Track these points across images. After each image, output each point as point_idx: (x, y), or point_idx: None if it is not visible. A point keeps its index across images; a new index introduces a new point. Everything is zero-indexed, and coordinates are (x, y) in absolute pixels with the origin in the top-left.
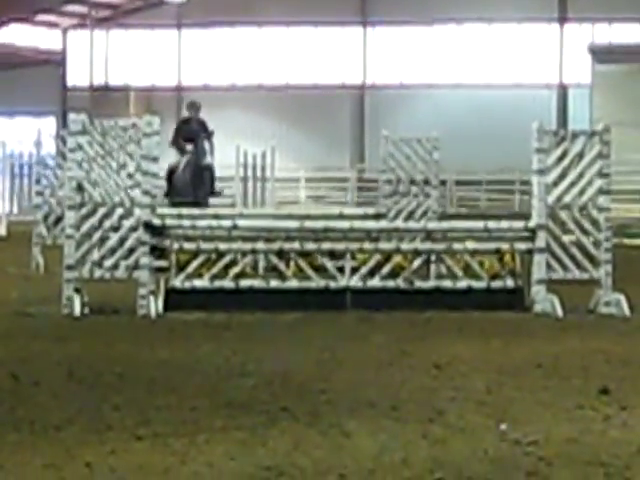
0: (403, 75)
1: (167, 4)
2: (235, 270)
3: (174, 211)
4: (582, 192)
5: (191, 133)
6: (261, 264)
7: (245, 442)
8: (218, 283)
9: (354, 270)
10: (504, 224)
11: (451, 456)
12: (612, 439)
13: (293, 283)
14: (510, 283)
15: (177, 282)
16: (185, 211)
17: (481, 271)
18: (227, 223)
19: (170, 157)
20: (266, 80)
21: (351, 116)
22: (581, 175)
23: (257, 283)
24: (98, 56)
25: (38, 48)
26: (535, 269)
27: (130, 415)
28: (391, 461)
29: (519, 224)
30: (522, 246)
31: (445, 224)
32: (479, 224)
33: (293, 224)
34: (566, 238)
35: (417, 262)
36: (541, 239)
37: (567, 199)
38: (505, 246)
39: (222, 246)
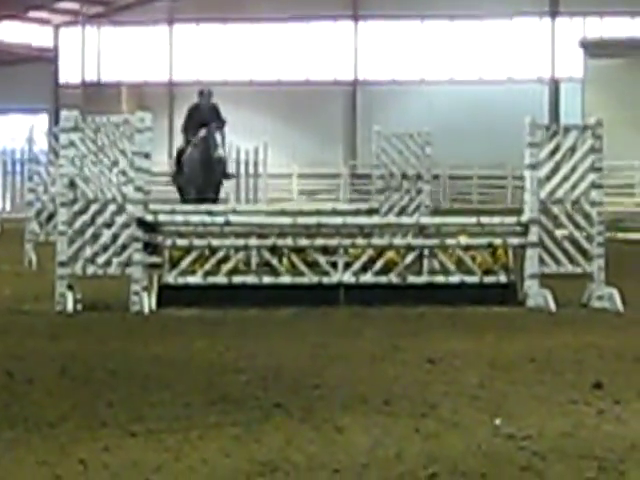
0: (395, 71)
1: (159, 0)
2: (228, 266)
3: (167, 207)
4: (574, 186)
5: (203, 118)
6: (254, 260)
7: (239, 438)
8: (211, 279)
9: (347, 266)
10: (497, 219)
11: (445, 451)
12: (606, 433)
13: (286, 279)
14: (503, 278)
15: (170, 278)
16: (178, 207)
17: (474, 266)
18: (220, 219)
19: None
20: (258, 76)
21: (343, 112)
22: (573, 169)
23: (250, 279)
24: (90, 53)
25: (30, 45)
26: (528, 264)
27: (124, 411)
28: (384, 456)
29: (512, 219)
30: (515, 241)
31: (438, 219)
32: (472, 219)
33: (286, 220)
34: (559, 232)
35: (410, 257)
36: (534, 234)
37: (559, 193)
38: (498, 241)
39: (215, 242)
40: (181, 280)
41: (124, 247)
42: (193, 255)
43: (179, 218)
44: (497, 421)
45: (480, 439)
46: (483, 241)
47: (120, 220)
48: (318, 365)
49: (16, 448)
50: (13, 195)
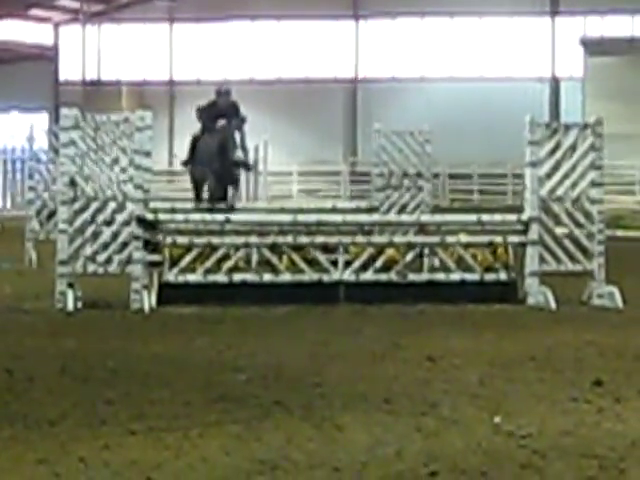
0: (395, 68)
1: None
2: (228, 264)
3: (167, 205)
4: (575, 184)
5: (220, 114)
6: (254, 258)
7: (239, 436)
8: (211, 277)
9: (347, 263)
10: (497, 217)
11: (445, 449)
12: (606, 431)
13: (286, 277)
14: (503, 276)
15: (170, 276)
16: (179, 205)
17: (474, 264)
18: (220, 217)
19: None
20: (259, 74)
21: (343, 110)
22: (574, 167)
23: (250, 277)
24: (90, 51)
25: (30, 43)
26: (528, 262)
27: (124, 410)
28: (385, 454)
29: (512, 217)
30: (515, 239)
31: (438, 217)
32: (472, 217)
33: (286, 218)
34: (559, 230)
35: (410, 255)
36: (534, 232)
37: (560, 191)
38: (498, 239)
39: (215, 240)
40: (181, 278)
41: (124, 245)
42: (193, 253)
43: (179, 216)
44: (497, 419)
45: (480, 437)
46: (484, 239)
47: (120, 218)
48: (318, 363)
49: (16, 446)
50: (13, 193)
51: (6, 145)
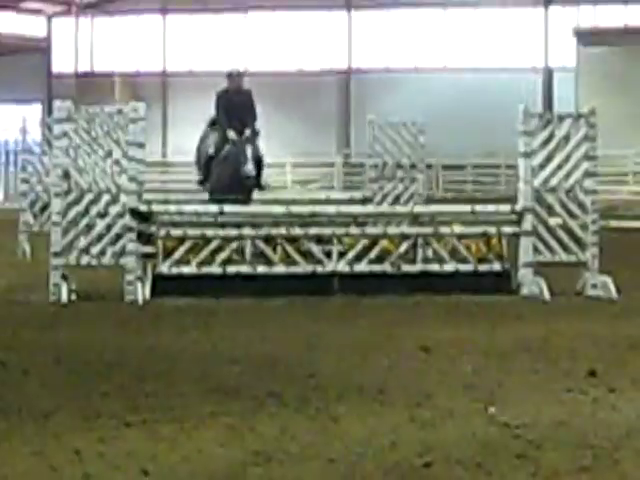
0: (389, 59)
1: None
2: (222, 256)
3: (160, 197)
4: (568, 175)
5: (232, 109)
6: (248, 250)
7: (234, 427)
8: (205, 269)
9: (341, 255)
10: (491, 207)
11: (440, 439)
12: (601, 421)
13: (280, 268)
14: (497, 266)
15: (164, 268)
16: (172, 197)
17: (468, 255)
18: (214, 209)
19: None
20: (252, 66)
21: (337, 101)
22: (567, 158)
23: (244, 269)
24: (83, 43)
25: (23, 35)
26: (522, 252)
27: (119, 402)
28: (380, 445)
29: (506, 207)
30: (509, 229)
31: (432, 208)
32: (466, 208)
33: (280, 209)
34: (553, 221)
35: (404, 246)
36: (528, 222)
37: (553, 182)
38: (492, 229)
39: (209, 232)
40: (175, 270)
41: (118, 237)
42: (187, 245)
43: (173, 208)
44: (492, 410)
45: (475, 428)
46: (477, 230)
47: (114, 210)
48: (312, 354)
49: (11, 439)
50: (7, 186)
51: None
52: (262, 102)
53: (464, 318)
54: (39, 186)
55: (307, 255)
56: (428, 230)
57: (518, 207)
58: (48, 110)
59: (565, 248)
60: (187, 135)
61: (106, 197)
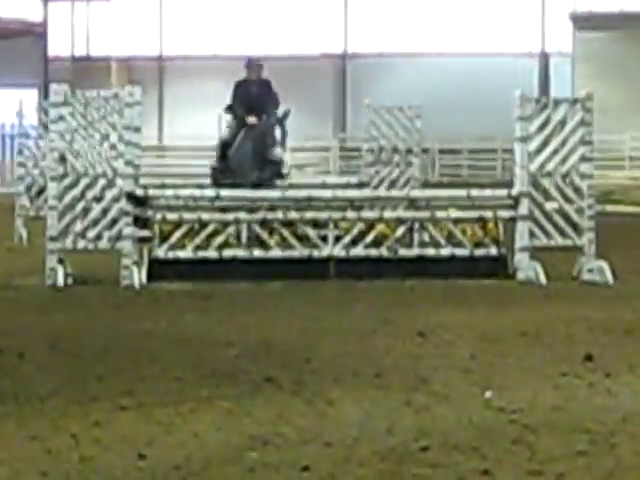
0: (385, 43)
1: None
2: (218, 240)
3: (157, 181)
4: (565, 160)
5: (250, 99)
6: (244, 234)
7: (230, 412)
8: (201, 253)
9: (337, 239)
10: (487, 192)
11: (436, 424)
12: (596, 406)
13: (276, 253)
14: (493, 251)
15: (160, 252)
16: (168, 181)
17: (464, 239)
18: (210, 193)
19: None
20: (248, 50)
21: (333, 85)
22: (563, 142)
23: (240, 253)
24: (79, 27)
25: (19, 19)
26: (518, 237)
27: (114, 386)
28: (376, 429)
29: (502, 192)
30: (505, 214)
31: (428, 192)
32: (462, 192)
33: (276, 194)
34: (549, 206)
35: (400, 230)
36: (524, 207)
37: (550, 167)
38: (488, 214)
39: (205, 216)
40: (171, 254)
41: (114, 221)
42: (183, 229)
43: (169, 192)
44: (488, 394)
45: (471, 412)
46: (474, 214)
47: (110, 194)
48: (309, 339)
49: (7, 423)
50: (3, 170)
51: None
52: None
53: (460, 302)
54: (35, 170)
55: (303, 239)
56: (424, 214)
57: (514, 191)
58: (44, 94)
59: (561, 233)
60: (183, 119)
61: (102, 181)
